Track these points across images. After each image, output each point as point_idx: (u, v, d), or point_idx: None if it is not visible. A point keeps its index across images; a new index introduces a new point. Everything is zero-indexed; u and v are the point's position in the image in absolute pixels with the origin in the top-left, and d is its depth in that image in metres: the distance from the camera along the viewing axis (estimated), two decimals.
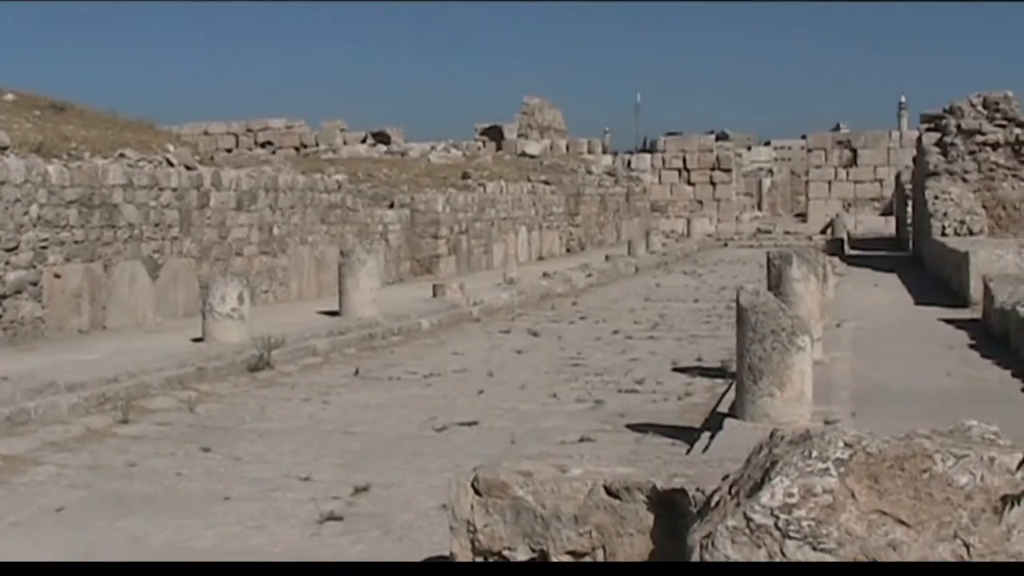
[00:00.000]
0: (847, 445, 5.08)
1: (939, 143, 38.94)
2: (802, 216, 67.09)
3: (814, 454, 5.09)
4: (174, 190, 23.21)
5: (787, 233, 58.03)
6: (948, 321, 21.53)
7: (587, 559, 6.14)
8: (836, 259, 37.87)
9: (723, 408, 13.13)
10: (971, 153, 38.09)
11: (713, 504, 5.41)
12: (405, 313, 23.62)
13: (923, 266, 36.52)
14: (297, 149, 57.02)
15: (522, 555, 6.23)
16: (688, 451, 11.38)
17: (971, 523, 4.94)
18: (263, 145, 58.00)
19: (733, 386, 13.12)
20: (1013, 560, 4.97)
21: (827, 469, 5.01)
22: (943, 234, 33.56)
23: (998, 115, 39.10)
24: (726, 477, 5.52)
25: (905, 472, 4.99)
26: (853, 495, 4.97)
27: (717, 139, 71.35)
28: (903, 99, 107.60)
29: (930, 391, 14.01)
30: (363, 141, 59.37)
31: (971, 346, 18.17)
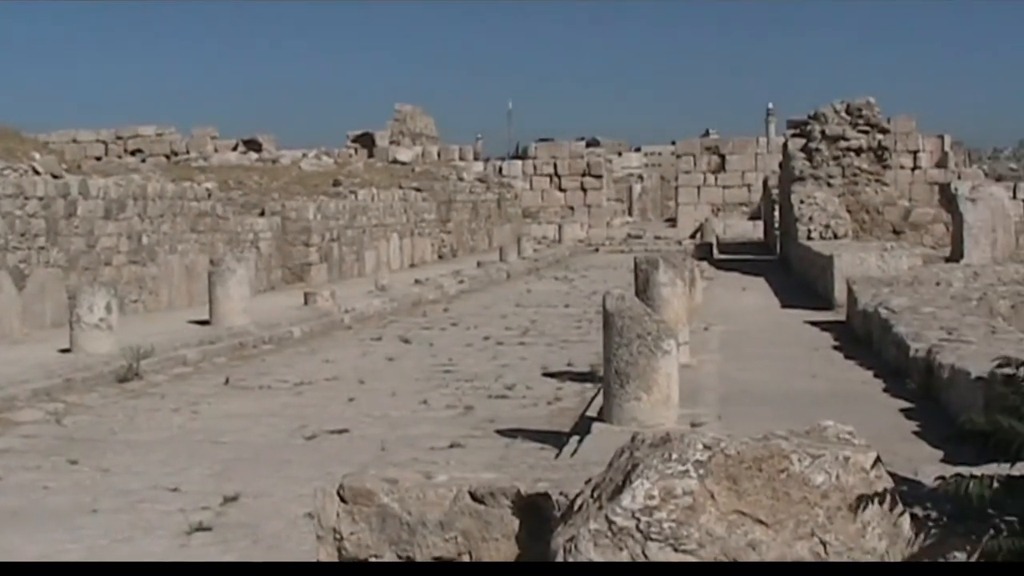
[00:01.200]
0: (706, 447, 5.15)
1: (804, 149, 39.53)
2: (672, 221, 67.63)
3: (674, 457, 5.15)
4: (40, 199, 22.85)
5: (657, 238, 58.45)
6: (814, 323, 21.83)
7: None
8: (705, 263, 38.26)
9: (592, 412, 13.21)
10: (835, 158, 38.72)
11: (576, 508, 5.45)
12: (276, 321, 23.47)
13: (790, 269, 37.00)
14: (168, 157, 56.41)
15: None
16: (557, 456, 11.44)
17: (827, 521, 5.04)
18: (133, 153, 57.29)
19: (602, 390, 13.20)
20: (868, 556, 5.07)
21: (687, 471, 5.08)
22: (809, 238, 34.04)
23: (861, 121, 39.78)
24: (589, 481, 5.57)
25: (763, 473, 5.07)
26: (713, 496, 5.03)
27: (588, 145, 71.64)
28: (771, 105, 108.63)
29: (795, 392, 14.20)
30: (234, 149, 58.88)
31: (835, 347, 18.44)
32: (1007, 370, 5.53)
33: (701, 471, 5.06)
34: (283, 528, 9.81)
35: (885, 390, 14.17)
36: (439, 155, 63.49)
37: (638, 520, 5.01)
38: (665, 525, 4.99)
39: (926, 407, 12.58)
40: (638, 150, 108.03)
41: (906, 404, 13.06)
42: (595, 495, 5.36)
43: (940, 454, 9.39)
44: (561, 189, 64.68)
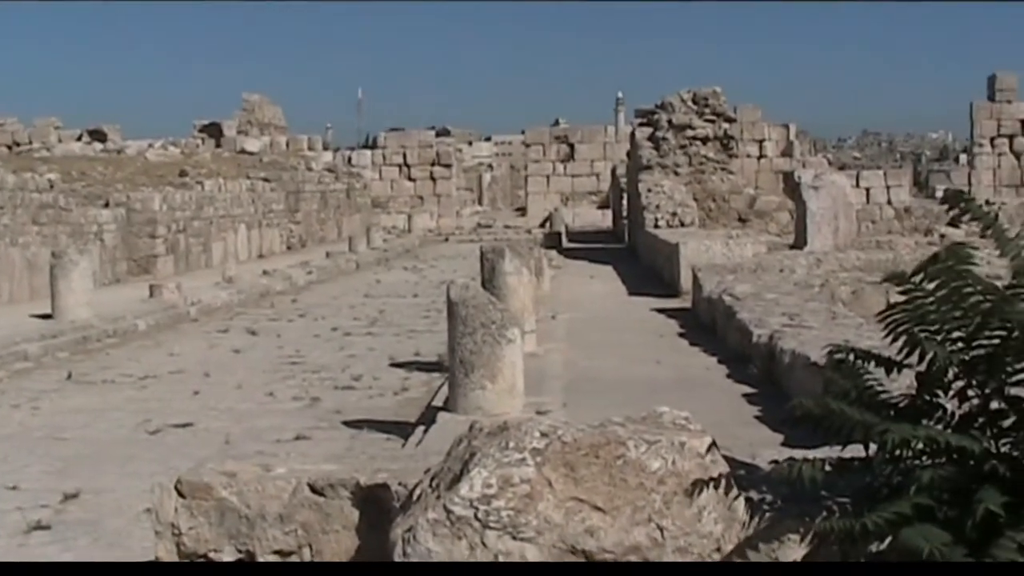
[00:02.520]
0: (543, 435, 5.16)
1: (652, 138, 39.86)
2: (522, 210, 67.90)
3: (511, 445, 5.15)
4: None
5: (507, 227, 58.62)
6: (660, 311, 22.03)
7: (294, 558, 6.11)
8: (554, 252, 38.42)
9: (438, 402, 13.20)
10: (682, 147, 39.11)
11: (415, 498, 5.43)
12: (121, 315, 23.09)
13: (638, 257, 37.31)
14: (9, 148, 55.23)
15: (228, 556, 6.15)
16: (403, 446, 11.42)
17: (664, 506, 5.07)
18: None
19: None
20: (704, 541, 5.12)
21: (524, 459, 5.08)
22: (656, 226, 34.35)
23: (707, 110, 40.24)
24: (428, 471, 5.55)
25: (600, 459, 5.09)
26: (550, 484, 5.04)
27: (439, 135, 71.56)
28: (620, 95, 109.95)
29: (640, 379, 14.32)
30: (79, 139, 57.79)
31: (681, 334, 18.64)
32: (838, 356, 5.61)
33: (538, 459, 5.07)
34: (124, 525, 9.65)
35: (728, 376, 14.36)
36: (288, 145, 62.91)
37: (476, 509, 5.00)
38: (503, 513, 4.98)
39: (768, 392, 12.77)
40: (488, 139, 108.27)
41: (749, 389, 13.24)
42: (434, 485, 5.34)
43: (780, 438, 9.54)
44: (411, 179, 64.53)
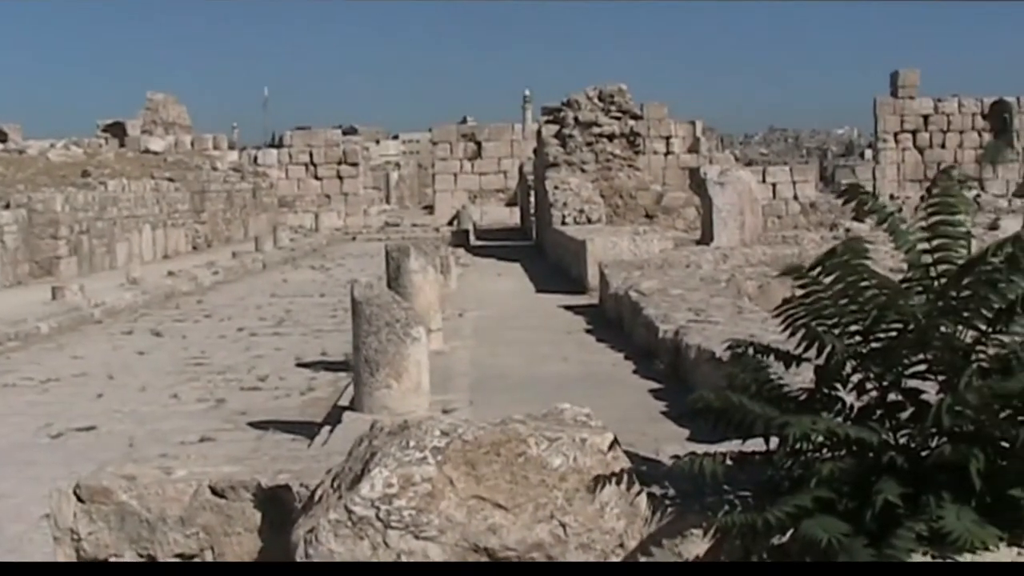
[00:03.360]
0: (444, 433, 5.14)
1: (559, 135, 39.92)
2: (430, 208, 67.79)
3: (412, 444, 5.12)
4: None
5: (415, 226, 58.51)
6: (567, 307, 22.08)
7: (196, 560, 6.05)
8: (461, 250, 38.41)
9: (344, 402, 13.15)
10: (589, 144, 39.20)
11: (317, 499, 5.39)
12: (22, 317, 22.77)
13: (545, 255, 37.33)
14: None
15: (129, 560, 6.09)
16: (309, 446, 11.35)
17: (566, 503, 5.06)
18: None
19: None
20: (606, 537, 5.11)
21: (425, 458, 5.06)
22: (563, 223, 34.37)
23: (613, 107, 40.36)
24: (330, 471, 5.51)
25: (501, 457, 5.08)
26: (452, 482, 5.02)
27: (346, 133, 71.26)
28: (527, 92, 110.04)
29: (547, 376, 14.35)
30: None
31: (588, 331, 18.68)
32: (737, 350, 5.64)
33: (439, 457, 5.05)
34: (25, 530, 9.53)
35: (635, 372, 14.41)
36: (193, 144, 62.36)
37: (378, 509, 4.97)
38: (405, 513, 4.96)
39: (674, 387, 12.82)
40: (396, 138, 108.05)
41: (655, 385, 13.30)
42: (335, 485, 5.31)
43: (686, 433, 9.57)
44: (317, 178, 64.19)
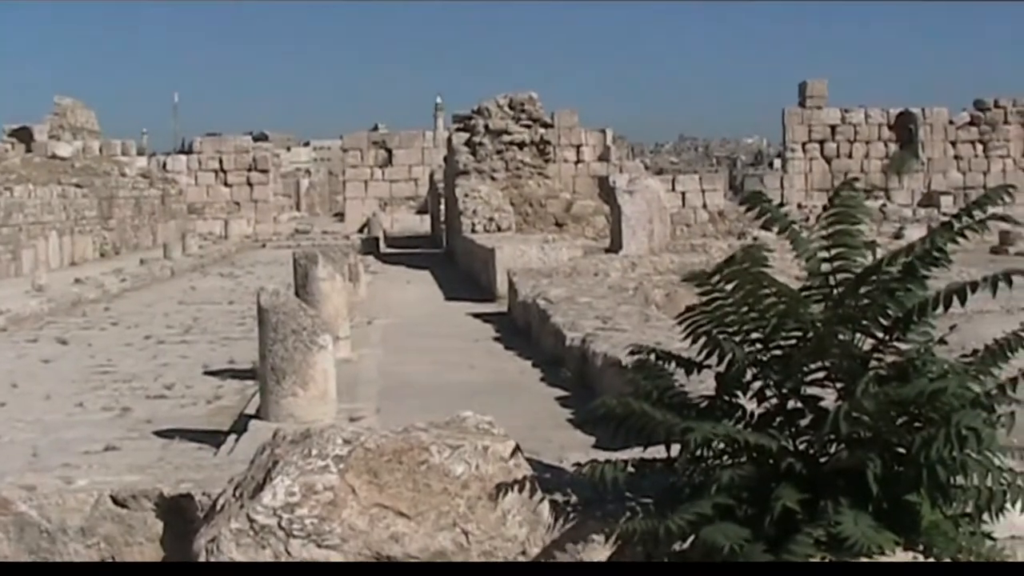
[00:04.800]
0: (346, 442, 5.13)
1: (469, 143, 39.93)
2: (340, 216, 67.59)
3: (314, 452, 5.12)
4: None
5: (325, 233, 58.29)
6: (476, 315, 22.08)
7: None
8: (371, 257, 38.34)
9: (251, 410, 13.05)
10: (499, 152, 39.25)
11: (219, 508, 5.37)
12: None
13: (456, 262, 37.32)
14: None
15: None
16: (215, 455, 11.27)
17: (469, 511, 5.07)
18: None
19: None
20: (509, 544, 5.13)
21: (327, 466, 5.05)
22: (473, 231, 34.38)
23: (524, 116, 40.44)
24: (232, 480, 5.49)
25: (403, 465, 5.08)
26: (354, 491, 5.02)
27: (257, 140, 71.03)
28: (439, 100, 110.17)
29: (454, 384, 14.34)
30: None
31: (496, 339, 18.69)
32: (639, 356, 5.67)
33: (341, 466, 5.04)
34: None
35: (542, 379, 14.44)
36: (101, 150, 61.71)
37: (280, 518, 4.96)
38: (307, 521, 4.95)
39: (581, 395, 12.85)
40: (307, 144, 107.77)
41: (562, 392, 13.32)
42: (237, 494, 5.29)
43: (592, 440, 9.59)
44: (227, 184, 63.83)
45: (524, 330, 18.80)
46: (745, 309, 5.21)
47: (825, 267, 5.19)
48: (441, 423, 5.41)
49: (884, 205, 52.41)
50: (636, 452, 5.40)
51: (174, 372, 17.88)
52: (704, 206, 46.70)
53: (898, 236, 40.34)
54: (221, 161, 63.81)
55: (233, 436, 11.91)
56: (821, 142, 57.54)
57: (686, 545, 4.87)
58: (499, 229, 34.24)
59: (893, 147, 56.97)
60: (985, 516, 4.93)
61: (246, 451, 9.84)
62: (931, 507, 4.81)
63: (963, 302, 4.85)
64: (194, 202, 62.52)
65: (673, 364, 5.55)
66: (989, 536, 4.93)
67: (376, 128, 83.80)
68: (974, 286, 4.89)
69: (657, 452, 5.30)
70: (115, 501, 5.98)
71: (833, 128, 57.53)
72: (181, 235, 49.76)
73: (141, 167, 60.32)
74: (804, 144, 57.56)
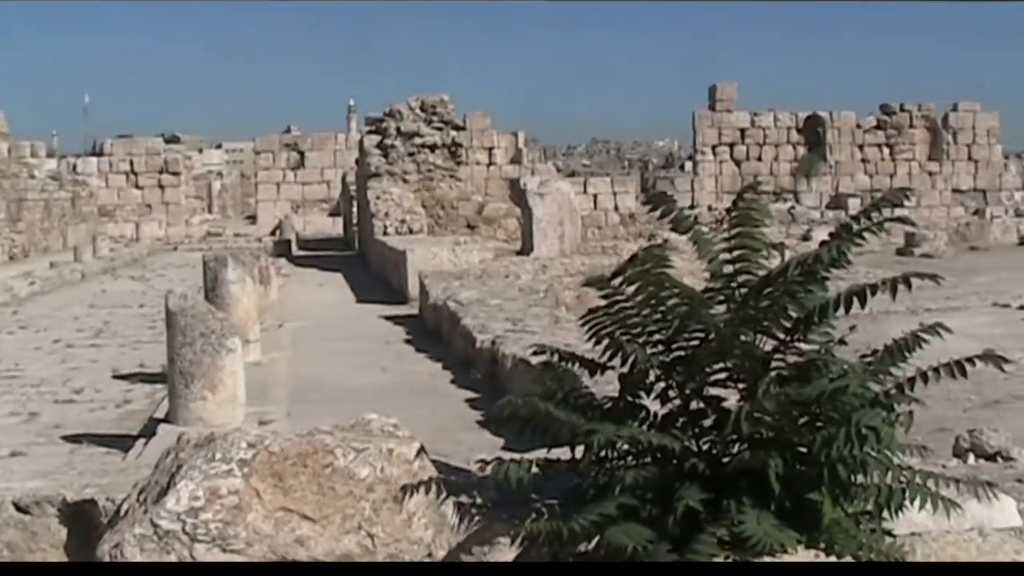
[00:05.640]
0: (250, 445, 5.12)
1: (381, 145, 39.82)
2: (252, 218, 67.18)
3: (218, 456, 5.10)
4: None
5: (237, 235, 57.92)
6: (388, 318, 22.03)
7: None
8: (283, 260, 38.13)
9: (160, 414, 12.97)
10: (411, 155, 39.18)
11: (123, 513, 5.33)
12: None
13: (368, 265, 37.19)
14: None
15: None
16: (123, 459, 11.19)
17: (374, 514, 5.08)
18: None
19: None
20: (414, 547, 5.13)
21: (231, 470, 5.04)
22: (385, 233, 34.26)
23: (435, 118, 40.40)
24: (136, 485, 5.45)
25: (308, 468, 5.07)
26: (259, 494, 5.00)
27: (168, 142, 70.40)
28: (352, 102, 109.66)
29: (365, 387, 14.32)
30: None
31: (407, 341, 18.67)
32: (544, 357, 5.70)
33: (246, 469, 5.03)
34: None
35: (453, 381, 14.45)
36: (9, 152, 60.77)
37: (184, 522, 4.94)
38: (212, 526, 4.93)
39: (491, 396, 12.85)
40: (220, 147, 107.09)
41: (472, 395, 13.35)
42: (141, 499, 5.25)
43: (501, 442, 9.62)
44: (138, 187, 63.19)
45: (435, 332, 18.79)
46: (648, 311, 5.25)
47: (728, 269, 5.25)
48: (346, 426, 5.41)
49: (792, 207, 52.92)
50: (542, 453, 5.42)
51: (83, 376, 17.70)
52: (615, 208, 46.93)
53: (806, 238, 40.80)
54: (132, 163, 63.13)
55: (142, 440, 11.83)
56: (731, 145, 57.92)
57: (591, 546, 4.90)
58: (411, 231, 34.16)
59: (801, 150, 57.46)
60: (885, 514, 5.00)
61: (154, 456, 9.75)
62: (832, 505, 4.87)
63: (863, 304, 4.92)
64: (105, 205, 61.83)
65: (577, 365, 5.59)
66: (889, 533, 5.00)
67: (289, 130, 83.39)
68: (873, 288, 4.96)
69: (563, 453, 5.32)
70: (17, 507, 5.93)
71: (743, 131, 57.93)
72: (92, 238, 49.20)
73: (51, 169, 59.57)
74: (714, 147, 57.92)
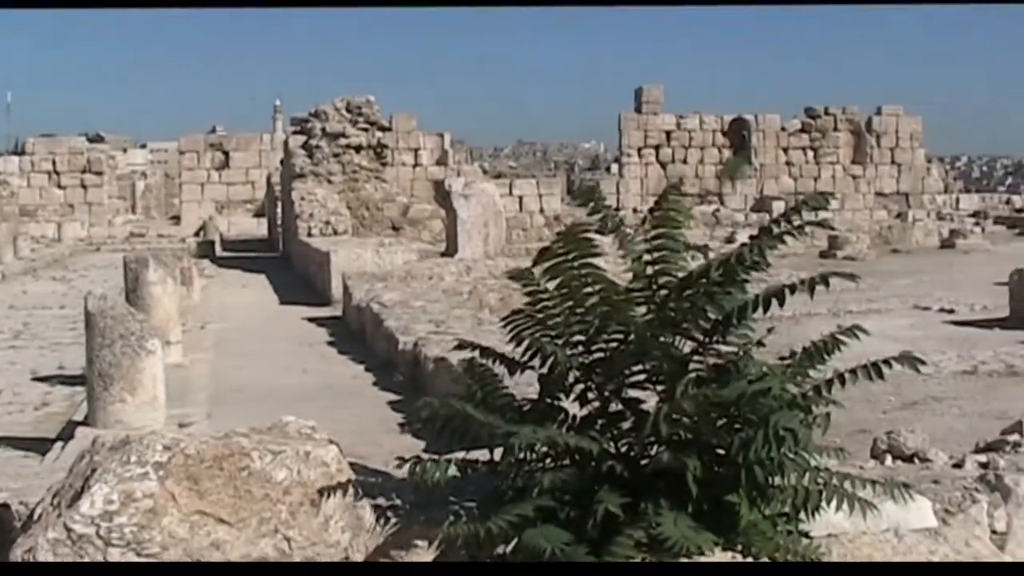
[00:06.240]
0: (166, 448, 5.06)
1: (306, 146, 39.63)
2: (177, 219, 66.70)
3: (133, 459, 5.04)
4: None
5: (161, 236, 57.48)
6: (311, 319, 21.96)
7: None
8: (207, 261, 37.89)
9: (80, 416, 12.84)
10: (336, 155, 39.03)
11: (36, 517, 5.25)
12: None
13: (292, 266, 37.02)
14: None
15: None
16: (41, 462, 11.07)
17: (291, 517, 5.04)
18: None
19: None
20: (331, 550, 5.10)
21: (146, 473, 4.98)
22: (309, 234, 34.10)
23: (361, 119, 40.27)
24: (50, 488, 5.38)
25: (224, 471, 5.03)
26: (174, 497, 4.95)
27: (92, 141, 69.67)
28: (278, 102, 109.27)
29: (287, 389, 14.26)
30: None
31: (330, 343, 18.62)
32: (464, 354, 5.69)
33: (161, 472, 4.97)
34: None
35: (375, 384, 14.43)
36: None
37: (98, 526, 4.88)
38: (126, 530, 4.87)
39: (413, 399, 12.80)
40: (144, 147, 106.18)
41: (394, 397, 13.33)
42: (55, 503, 5.18)
43: (423, 444, 9.59)
44: (61, 187, 62.54)
45: (358, 334, 18.74)
46: (567, 311, 5.25)
47: (648, 270, 5.25)
48: (263, 428, 5.37)
49: (717, 210, 53.16)
50: (461, 455, 5.40)
51: (2, 378, 17.50)
52: (541, 210, 46.93)
53: (730, 240, 40.97)
54: (55, 163, 62.46)
55: (59, 444, 11.71)
56: (657, 147, 58.04)
57: (509, 548, 4.89)
58: (335, 233, 34.00)
59: (727, 153, 57.69)
60: (802, 515, 5.02)
61: (71, 459, 9.67)
62: (749, 507, 4.88)
63: (781, 304, 4.93)
64: (26, 204, 61.13)
65: (498, 363, 5.58)
66: (806, 535, 5.02)
67: (214, 130, 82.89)
68: (792, 288, 4.98)
69: (482, 455, 5.31)
70: None
71: (668, 133, 58.06)
72: (12, 238, 48.67)
73: None
74: (640, 149, 58.01)
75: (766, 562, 4.81)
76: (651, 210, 5.37)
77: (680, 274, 5.16)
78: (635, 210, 51.25)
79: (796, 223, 5.03)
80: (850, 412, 11.80)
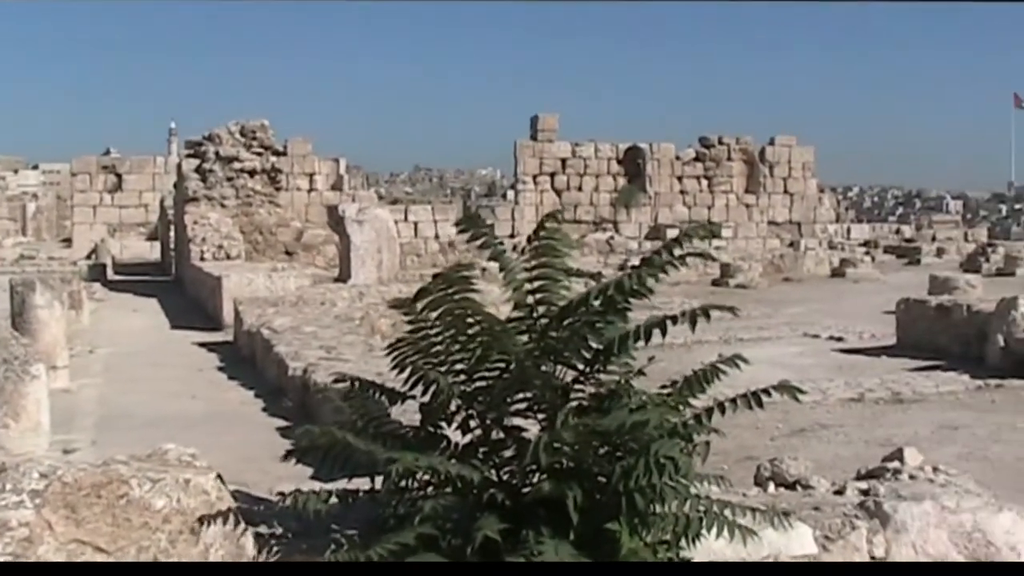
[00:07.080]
0: (43, 476, 5.01)
1: (199, 169, 39.32)
2: (68, 241, 65.92)
3: (8, 487, 4.98)
4: None
5: (52, 259, 56.69)
6: (202, 344, 21.74)
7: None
8: (98, 284, 37.42)
9: None
10: (230, 179, 38.77)
11: None
12: None
13: (184, 290, 36.68)
14: None
15: None
16: None
17: (170, 545, 5.00)
18: None
19: None
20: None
21: (22, 501, 4.92)
22: (202, 258, 33.80)
23: (255, 143, 40.03)
24: None
25: (103, 499, 4.98)
26: (50, 526, 4.90)
27: None
28: (173, 125, 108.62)
29: (175, 415, 14.10)
30: None
31: (220, 368, 18.44)
32: (344, 385, 5.68)
33: (37, 500, 4.91)
34: None
35: (264, 409, 14.31)
36: None
37: None
38: (0, 559, 4.81)
39: (302, 425, 12.75)
40: (36, 168, 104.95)
41: (283, 423, 13.23)
42: None
43: (310, 472, 9.52)
44: None
45: (249, 360, 18.60)
46: (450, 339, 5.26)
47: (529, 299, 5.27)
48: (143, 456, 5.33)
49: (612, 237, 53.44)
50: (343, 483, 5.39)
51: None
52: (436, 236, 46.93)
53: (623, 268, 41.18)
54: None
55: None
56: (552, 175, 58.25)
57: None
58: (228, 257, 33.74)
59: (622, 181, 58.03)
60: (683, 542, 5.06)
61: None
62: (630, 534, 4.91)
63: (663, 334, 4.98)
64: None
65: (378, 394, 5.58)
66: (687, 562, 5.06)
67: (108, 152, 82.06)
68: (674, 320, 5.03)
69: (365, 483, 5.30)
70: None
71: (564, 161, 58.31)
72: None
73: None
74: (535, 176, 58.19)
75: (769, 563, 4.85)
76: (529, 238, 5.39)
77: (561, 303, 5.19)
78: (529, 238, 51.36)
79: (678, 253, 5.08)
80: (738, 439, 11.97)
